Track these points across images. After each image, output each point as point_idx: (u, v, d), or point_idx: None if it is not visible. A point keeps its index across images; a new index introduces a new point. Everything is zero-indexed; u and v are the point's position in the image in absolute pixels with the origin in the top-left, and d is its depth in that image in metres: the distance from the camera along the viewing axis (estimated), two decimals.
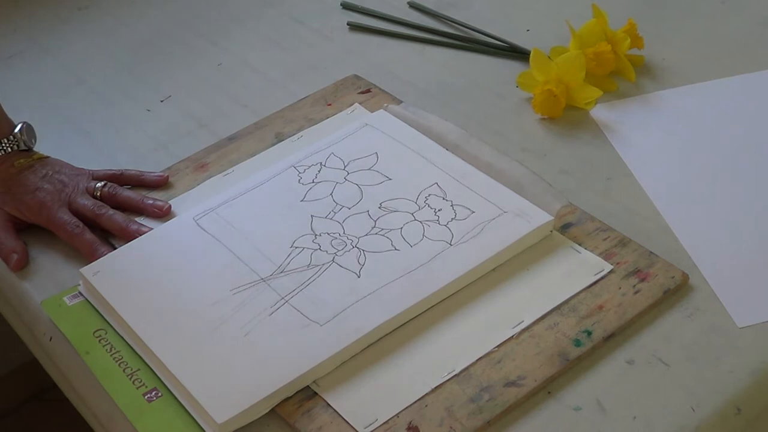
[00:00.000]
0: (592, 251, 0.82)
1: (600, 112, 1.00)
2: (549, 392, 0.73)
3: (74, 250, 0.86)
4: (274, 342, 0.75)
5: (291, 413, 0.72)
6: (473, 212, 0.84)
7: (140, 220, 0.88)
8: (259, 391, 0.72)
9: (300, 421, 0.71)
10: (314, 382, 0.74)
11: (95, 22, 1.19)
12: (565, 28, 1.03)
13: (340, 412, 0.72)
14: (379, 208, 0.86)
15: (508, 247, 0.81)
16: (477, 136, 0.92)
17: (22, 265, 0.86)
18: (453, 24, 1.14)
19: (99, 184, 0.90)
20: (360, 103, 1.00)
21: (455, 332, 0.77)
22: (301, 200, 0.87)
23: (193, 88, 1.07)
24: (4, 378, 1.53)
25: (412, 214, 0.85)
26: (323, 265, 0.81)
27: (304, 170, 0.90)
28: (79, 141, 1.01)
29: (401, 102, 0.99)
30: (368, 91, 1.02)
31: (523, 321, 0.77)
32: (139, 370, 0.76)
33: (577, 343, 0.75)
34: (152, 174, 0.93)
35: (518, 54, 1.08)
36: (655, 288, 0.79)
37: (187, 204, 0.90)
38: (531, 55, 1.00)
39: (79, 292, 0.82)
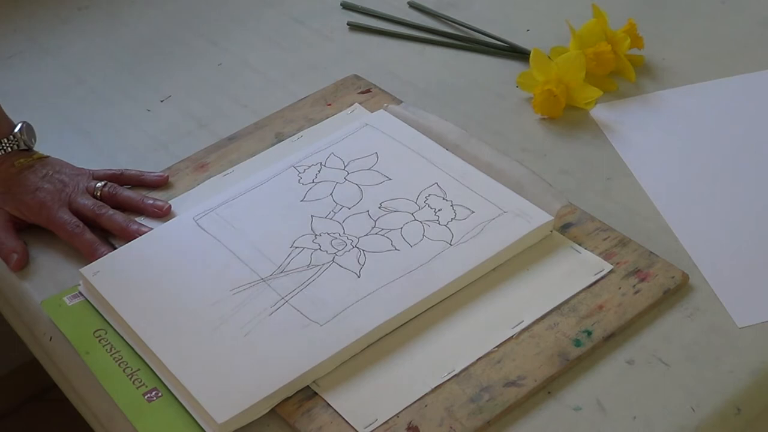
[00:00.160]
0: (592, 251, 0.82)
1: (600, 112, 1.00)
2: (549, 392, 0.73)
3: (74, 250, 0.86)
4: (274, 342, 0.75)
5: (291, 413, 0.72)
6: (473, 212, 0.84)
7: (140, 220, 0.88)
8: (259, 391, 0.72)
9: (300, 421, 0.71)
10: (314, 382, 0.74)
11: (95, 22, 1.19)
12: (565, 28, 1.03)
13: (340, 412, 0.72)
14: (379, 208, 0.86)
15: (508, 247, 0.81)
16: (477, 136, 0.92)
17: (22, 265, 0.86)
18: (453, 24, 1.14)
19: (99, 184, 0.90)
20: (360, 103, 1.00)
21: (455, 332, 0.77)
22: (301, 200, 0.87)
23: (193, 88, 1.07)
24: (4, 378, 1.53)
25: (412, 214, 0.85)
26: (323, 265, 0.81)
27: (304, 170, 0.90)
28: (79, 141, 1.01)
29: (401, 102, 0.99)
30: (368, 91, 1.02)
31: (523, 321, 0.77)
32: (139, 370, 0.76)
33: (577, 343, 0.75)
34: (152, 174, 0.93)
35: (518, 54, 1.08)
36: (655, 288, 0.79)
37: (187, 204, 0.90)
38: (531, 55, 1.00)
39: (79, 292, 0.82)
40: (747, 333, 0.77)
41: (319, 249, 0.82)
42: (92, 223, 0.87)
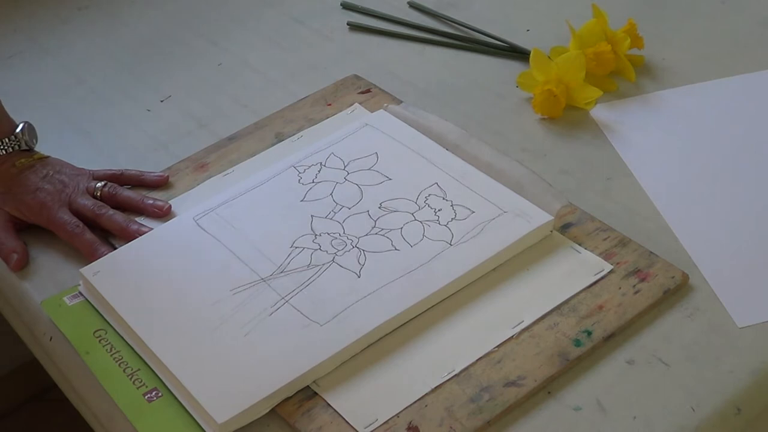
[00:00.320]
0: (592, 251, 0.82)
1: (600, 112, 1.00)
2: (549, 392, 0.73)
3: (74, 250, 0.86)
4: (274, 342, 0.75)
5: (291, 413, 0.72)
6: (473, 212, 0.84)
7: (140, 220, 0.88)
8: (259, 391, 0.72)
9: (300, 421, 0.71)
10: (314, 382, 0.74)
11: (95, 22, 1.19)
12: (565, 28, 1.03)
13: (340, 412, 0.72)
14: (379, 208, 0.86)
15: (508, 247, 0.81)
16: (477, 136, 0.92)
17: (22, 265, 0.86)
18: (453, 24, 1.14)
19: (99, 184, 0.90)
20: (360, 103, 1.00)
21: (455, 332, 0.77)
22: (301, 200, 0.87)
23: (193, 88, 1.07)
24: (4, 378, 1.53)
25: (412, 214, 0.85)
26: (323, 265, 0.81)
27: (304, 170, 0.90)
28: (79, 141, 1.01)
29: (401, 102, 0.99)
30: (368, 91, 1.02)
31: (523, 321, 0.77)
32: (139, 370, 0.76)
33: (577, 343, 0.75)
34: (152, 174, 0.93)
35: (518, 54, 1.08)
36: (655, 288, 0.79)
37: (187, 204, 0.90)
38: (531, 55, 1.00)
39: (79, 292, 0.82)
40: (747, 333, 0.77)
41: (319, 249, 0.82)
42: (92, 223, 0.87)
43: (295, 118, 0.99)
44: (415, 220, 0.84)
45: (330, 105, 1.00)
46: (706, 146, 0.95)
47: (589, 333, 0.76)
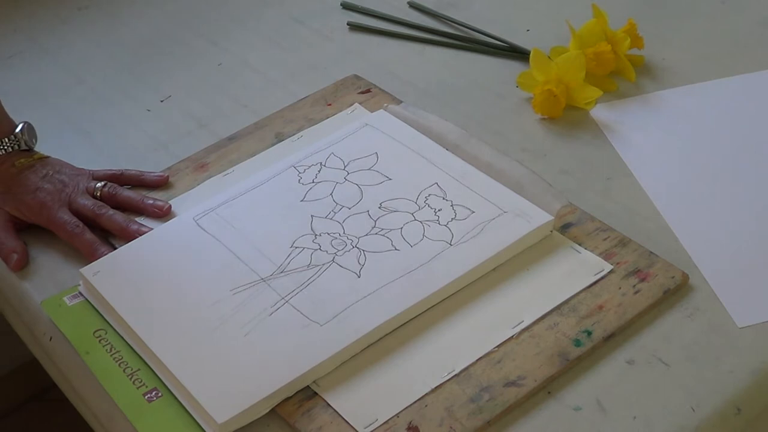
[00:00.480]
0: (592, 251, 0.82)
1: (600, 112, 1.00)
2: (549, 392, 0.73)
3: (74, 250, 0.86)
4: (274, 342, 0.75)
5: (291, 413, 0.72)
6: (473, 212, 0.84)
7: (140, 220, 0.88)
8: (259, 391, 0.72)
9: (300, 421, 0.71)
10: (314, 382, 0.74)
11: (95, 22, 1.19)
12: (565, 28, 1.03)
13: (340, 412, 0.72)
14: (379, 208, 0.86)
15: (508, 247, 0.81)
16: (477, 136, 0.92)
17: (22, 265, 0.86)
18: (453, 24, 1.14)
19: (99, 184, 0.90)
20: (360, 103, 1.00)
21: (455, 332, 0.77)
22: (301, 200, 0.87)
23: (193, 88, 1.07)
24: (4, 378, 1.53)
25: (412, 214, 0.85)
26: (323, 265, 0.81)
27: (304, 170, 0.90)
28: (79, 141, 1.01)
29: (401, 102, 0.99)
30: (368, 91, 1.02)
31: (523, 321, 0.77)
32: (139, 370, 0.76)
33: (577, 343, 0.75)
34: (152, 174, 0.93)
35: (518, 54, 1.08)
36: (655, 288, 0.79)
37: (187, 204, 0.90)
38: (531, 55, 1.00)
39: (79, 292, 0.82)
40: (747, 333, 0.77)
41: (319, 249, 0.82)
42: (92, 223, 0.87)
43: (295, 118, 0.99)
44: (415, 220, 0.84)
45: (330, 105, 1.00)
46: (706, 146, 0.95)
47: (589, 333, 0.76)
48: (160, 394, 0.74)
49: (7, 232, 0.88)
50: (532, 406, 0.73)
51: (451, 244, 0.82)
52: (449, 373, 0.74)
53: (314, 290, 0.79)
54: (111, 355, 0.77)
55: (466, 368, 0.74)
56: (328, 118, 0.99)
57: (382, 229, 0.84)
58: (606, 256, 0.82)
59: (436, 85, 1.05)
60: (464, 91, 1.04)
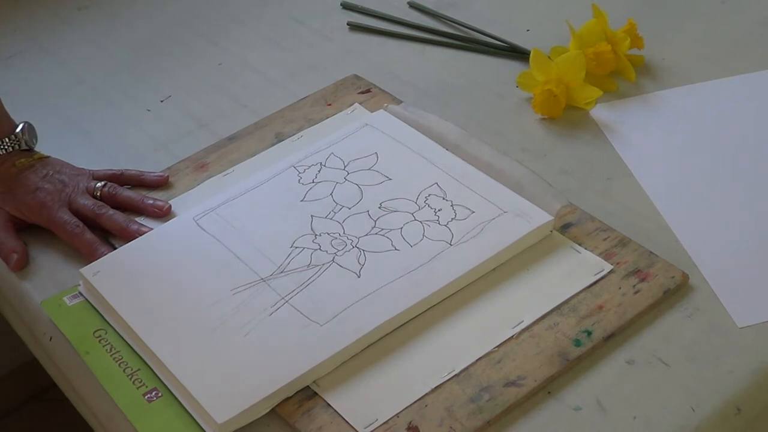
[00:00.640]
0: (592, 251, 0.82)
1: (600, 112, 1.00)
2: (549, 392, 0.73)
3: (74, 250, 0.86)
4: (274, 342, 0.75)
5: (291, 413, 0.72)
6: (473, 212, 0.84)
7: (140, 220, 0.88)
8: (259, 391, 0.72)
9: (300, 421, 0.71)
10: (314, 382, 0.74)
11: (95, 22, 1.19)
12: (565, 28, 1.03)
13: (340, 412, 0.72)
14: (379, 208, 0.86)
15: (508, 247, 0.81)
16: (477, 136, 0.92)
17: (22, 265, 0.86)
18: (453, 24, 1.14)
19: (99, 184, 0.90)
20: (360, 103, 1.00)
21: (455, 332, 0.77)
22: (301, 200, 0.87)
23: (193, 88, 1.07)
24: (4, 378, 1.53)
25: (412, 214, 0.85)
26: (323, 265, 0.81)
27: (304, 170, 0.90)
28: (79, 141, 1.01)
29: (401, 102, 0.99)
30: (368, 91, 1.02)
31: (523, 321, 0.77)
32: (139, 370, 0.76)
33: (577, 343, 0.75)
34: (152, 174, 0.93)
35: (518, 54, 1.08)
36: (655, 288, 0.79)
37: (187, 204, 0.90)
38: (531, 55, 1.00)
39: (79, 292, 0.82)
40: (747, 333, 0.77)
41: (319, 249, 0.82)
42: (92, 223, 0.87)
43: (295, 118, 0.99)
44: (415, 220, 0.84)
45: (330, 105, 1.00)
46: (706, 146, 0.95)
47: (589, 333, 0.76)
48: (160, 394, 0.74)
49: (7, 232, 0.88)
50: (532, 406, 0.73)
51: (451, 244, 0.82)
52: (449, 373, 0.74)
53: (314, 290, 0.79)
54: (111, 355, 0.77)
55: (466, 368, 0.74)
56: (328, 118, 0.99)
57: (382, 229, 0.84)
58: (606, 256, 0.82)
59: (436, 85, 1.05)
60: (464, 91, 1.04)
